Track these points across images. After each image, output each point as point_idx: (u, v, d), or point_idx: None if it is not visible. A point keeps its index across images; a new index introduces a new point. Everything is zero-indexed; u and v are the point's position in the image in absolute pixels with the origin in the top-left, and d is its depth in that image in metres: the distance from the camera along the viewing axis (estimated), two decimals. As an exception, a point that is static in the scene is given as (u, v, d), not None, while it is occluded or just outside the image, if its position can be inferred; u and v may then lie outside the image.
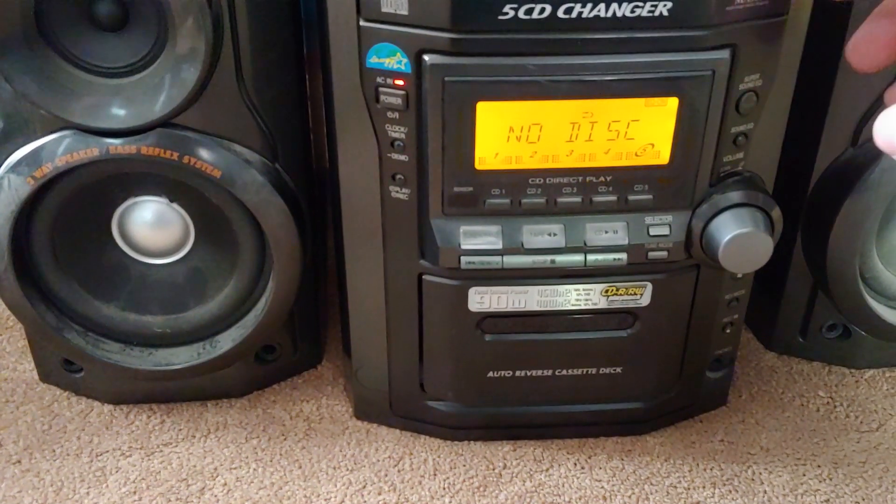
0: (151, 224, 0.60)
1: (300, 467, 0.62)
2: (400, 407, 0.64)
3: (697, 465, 0.63)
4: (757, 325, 0.74)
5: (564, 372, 0.60)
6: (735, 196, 0.52)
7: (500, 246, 0.53)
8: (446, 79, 0.48)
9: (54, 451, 0.63)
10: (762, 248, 0.52)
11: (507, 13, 0.46)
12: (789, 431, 0.66)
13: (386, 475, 0.61)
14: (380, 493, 0.60)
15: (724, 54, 0.48)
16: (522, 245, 0.53)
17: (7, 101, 0.53)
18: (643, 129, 0.50)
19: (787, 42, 0.50)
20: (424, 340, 0.60)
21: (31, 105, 0.53)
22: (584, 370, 0.60)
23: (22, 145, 0.54)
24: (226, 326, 0.64)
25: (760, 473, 0.62)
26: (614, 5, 0.45)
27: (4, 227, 0.56)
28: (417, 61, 0.48)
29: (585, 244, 0.53)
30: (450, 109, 0.49)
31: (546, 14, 0.46)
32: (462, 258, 0.53)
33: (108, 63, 0.52)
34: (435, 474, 0.62)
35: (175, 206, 0.60)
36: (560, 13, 0.46)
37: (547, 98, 0.48)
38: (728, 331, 0.62)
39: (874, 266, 0.65)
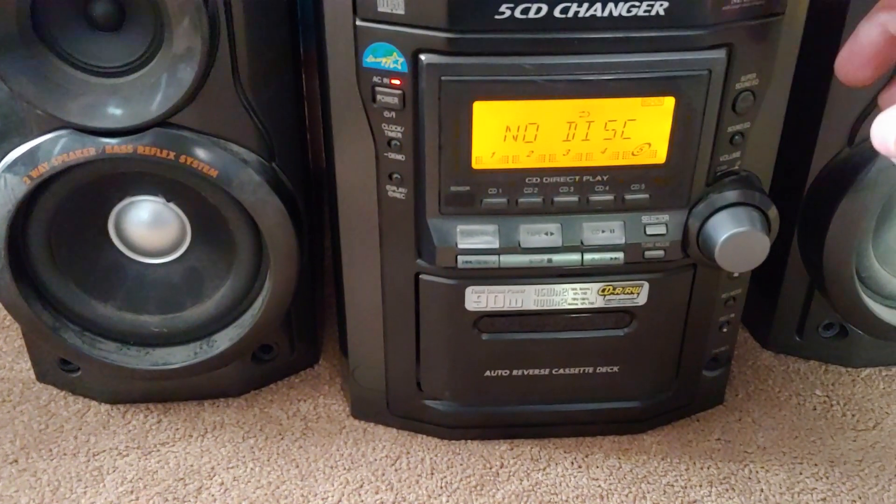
0: (148, 224, 0.60)
1: (297, 466, 0.62)
2: (397, 406, 0.64)
3: (694, 463, 0.63)
4: (753, 324, 0.75)
5: (561, 371, 0.61)
6: (732, 195, 0.52)
7: (496, 245, 0.53)
8: (443, 78, 0.48)
9: (51, 450, 0.63)
10: (759, 248, 0.52)
11: (503, 13, 0.46)
12: (786, 430, 0.66)
13: (383, 474, 0.62)
14: (377, 493, 0.60)
15: (721, 54, 0.48)
16: (519, 244, 0.53)
17: (3, 100, 0.53)
18: (640, 129, 0.50)
19: (784, 41, 0.50)
20: (421, 340, 0.60)
21: (27, 104, 0.53)
22: (581, 369, 0.61)
23: (18, 145, 0.54)
24: (223, 326, 0.64)
25: (757, 472, 0.62)
26: (611, 5, 0.45)
27: (1, 227, 0.56)
28: (414, 61, 0.48)
29: (582, 243, 0.53)
30: (446, 109, 0.49)
31: (542, 14, 0.46)
32: (459, 257, 0.53)
33: (104, 62, 0.52)
34: (432, 473, 0.62)
35: (172, 205, 0.59)
36: (556, 13, 0.46)
37: (543, 97, 0.48)
38: (725, 330, 0.62)
39: (870, 265, 0.65)
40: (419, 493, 0.60)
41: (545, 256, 0.53)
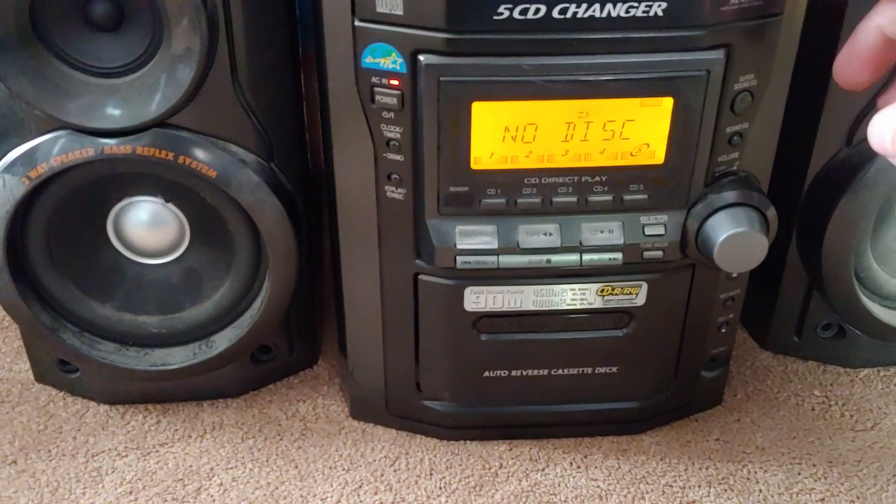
0: (147, 224, 0.60)
1: (296, 467, 0.62)
2: (396, 407, 0.64)
3: (693, 464, 0.63)
4: (752, 324, 0.75)
5: (560, 371, 0.61)
6: (730, 196, 0.52)
7: (495, 246, 0.53)
8: (441, 79, 0.48)
9: (50, 451, 0.63)
10: (757, 248, 0.52)
11: (502, 13, 0.46)
12: (784, 430, 0.66)
13: (382, 475, 0.62)
14: (376, 493, 0.60)
15: (719, 54, 0.48)
16: (518, 245, 0.53)
17: (2, 101, 0.53)
18: (638, 129, 0.50)
19: (782, 42, 0.50)
20: (420, 340, 0.60)
21: (26, 105, 0.53)
22: (580, 370, 0.61)
23: (17, 145, 0.54)
24: (222, 326, 0.64)
25: (756, 472, 0.62)
26: (609, 5, 0.45)
27: (0, 228, 0.56)
28: (413, 61, 0.48)
29: (581, 244, 0.53)
30: (445, 109, 0.49)
31: (541, 14, 0.46)
32: (458, 258, 0.53)
33: (103, 63, 0.52)
34: (431, 474, 0.62)
35: (170, 206, 0.59)
36: (555, 13, 0.46)
37: (542, 98, 0.48)
38: (723, 330, 0.62)
39: (869, 265, 0.65)
40: (418, 493, 0.60)
41: (544, 257, 0.53)
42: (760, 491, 0.61)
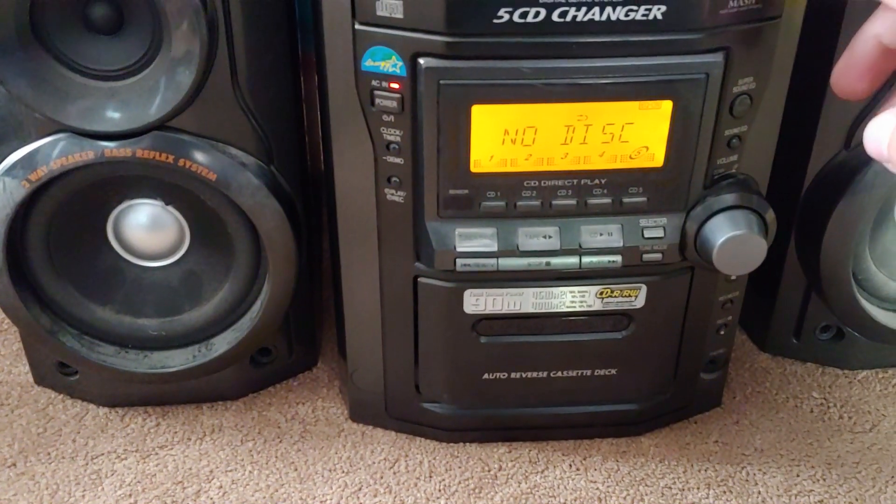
0: (146, 227, 0.60)
1: (296, 470, 0.62)
2: (395, 409, 0.64)
3: (692, 466, 0.63)
4: (751, 326, 0.75)
5: (559, 374, 0.61)
6: (729, 198, 0.52)
7: (495, 248, 0.53)
8: (441, 82, 0.48)
9: (49, 454, 0.63)
10: (756, 251, 0.52)
11: (501, 17, 0.46)
12: (783, 432, 0.66)
13: (382, 477, 0.62)
14: (375, 496, 0.60)
15: (718, 57, 0.48)
16: (517, 247, 0.53)
17: (1, 103, 0.53)
18: (637, 132, 0.50)
19: (781, 45, 0.50)
20: (420, 343, 0.60)
21: (25, 108, 0.53)
22: (579, 372, 0.61)
23: (17, 148, 0.54)
24: (221, 329, 0.64)
25: (755, 474, 0.62)
26: (608, 9, 0.46)
27: (0, 231, 0.56)
28: (412, 64, 0.48)
29: (580, 246, 0.53)
30: (445, 112, 0.49)
31: (541, 18, 0.46)
32: (457, 260, 0.53)
33: (103, 66, 0.52)
34: (431, 476, 0.62)
35: (170, 208, 0.59)
36: (555, 17, 0.46)
37: (542, 101, 0.48)
38: (722, 332, 0.62)
39: (867, 268, 0.65)
40: (417, 495, 0.60)
41: (543, 259, 0.54)
42: (759, 493, 0.61)
